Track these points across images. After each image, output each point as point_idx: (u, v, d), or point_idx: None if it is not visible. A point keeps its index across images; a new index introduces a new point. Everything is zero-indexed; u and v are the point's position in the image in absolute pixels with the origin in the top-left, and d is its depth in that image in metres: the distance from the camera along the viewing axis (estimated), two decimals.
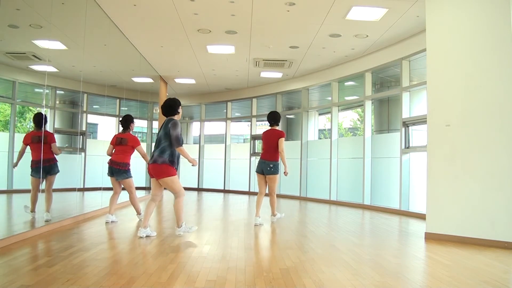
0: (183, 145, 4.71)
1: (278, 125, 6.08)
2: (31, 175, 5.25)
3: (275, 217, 6.17)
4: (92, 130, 11.04)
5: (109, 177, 5.86)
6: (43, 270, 3.15)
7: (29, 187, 5.30)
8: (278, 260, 3.72)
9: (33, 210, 5.27)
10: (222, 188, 13.10)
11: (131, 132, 5.94)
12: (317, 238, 4.97)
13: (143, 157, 5.92)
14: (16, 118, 6.17)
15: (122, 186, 5.86)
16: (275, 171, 5.83)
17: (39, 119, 5.33)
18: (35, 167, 5.23)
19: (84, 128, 7.82)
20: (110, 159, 5.79)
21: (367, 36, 7.61)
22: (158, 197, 4.76)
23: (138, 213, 6.10)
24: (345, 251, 4.18)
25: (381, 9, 6.30)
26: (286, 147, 6.03)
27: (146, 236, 4.68)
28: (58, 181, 6.50)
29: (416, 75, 8.00)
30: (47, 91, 6.51)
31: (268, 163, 5.82)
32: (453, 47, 5.10)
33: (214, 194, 12.29)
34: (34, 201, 5.28)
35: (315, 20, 6.88)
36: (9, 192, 5.77)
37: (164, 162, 4.55)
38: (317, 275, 3.23)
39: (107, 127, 10.35)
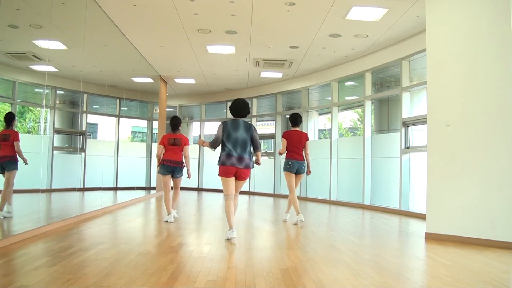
0: None
1: (299, 125, 6.23)
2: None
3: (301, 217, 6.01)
4: (92, 130, 11.05)
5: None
6: (43, 270, 3.15)
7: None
8: (278, 260, 3.72)
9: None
10: (222, 188, 13.08)
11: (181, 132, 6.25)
12: (317, 238, 4.97)
13: (185, 157, 6.08)
14: (16, 118, 6.16)
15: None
16: (305, 169, 6.15)
17: (11, 118, 5.36)
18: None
19: (84, 128, 7.82)
20: (166, 159, 5.95)
21: (367, 36, 7.61)
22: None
23: (169, 212, 6.06)
24: (345, 251, 4.18)
25: (381, 9, 6.30)
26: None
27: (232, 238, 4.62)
28: (59, 181, 6.51)
29: (416, 75, 8.00)
30: (47, 91, 6.52)
31: (302, 162, 6.05)
32: (453, 47, 5.10)
33: (214, 194, 12.28)
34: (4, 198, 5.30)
35: (315, 20, 6.88)
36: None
37: (253, 166, 4.78)
38: (317, 275, 3.23)
39: (107, 127, 10.34)
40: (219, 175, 4.75)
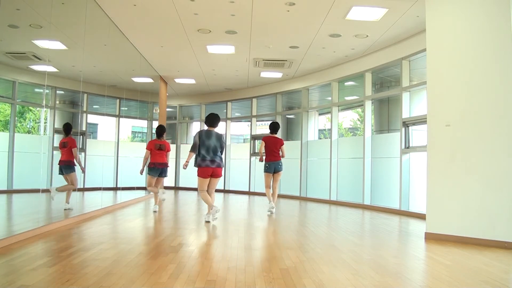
0: None
1: (276, 132, 7.64)
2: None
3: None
4: (92, 130, 11.03)
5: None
6: (43, 270, 3.15)
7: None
8: (278, 260, 3.72)
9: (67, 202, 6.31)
10: (222, 188, 13.10)
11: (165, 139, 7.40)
12: (317, 238, 4.97)
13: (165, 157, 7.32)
14: (16, 118, 6.18)
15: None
16: (282, 167, 7.53)
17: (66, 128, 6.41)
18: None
19: (84, 128, 7.82)
20: (156, 162, 7.12)
21: (367, 36, 7.61)
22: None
23: (156, 203, 7.39)
24: (345, 251, 4.18)
25: (381, 9, 6.30)
26: (286, 146, 7.72)
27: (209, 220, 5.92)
28: (59, 181, 6.52)
29: (416, 75, 7.99)
30: (47, 91, 6.51)
31: (278, 162, 7.45)
32: (453, 47, 5.10)
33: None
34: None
35: (315, 20, 6.88)
36: (9, 192, 5.77)
37: (223, 166, 6.04)
38: (317, 275, 3.23)
39: (107, 127, 10.33)
40: (198, 175, 5.92)
